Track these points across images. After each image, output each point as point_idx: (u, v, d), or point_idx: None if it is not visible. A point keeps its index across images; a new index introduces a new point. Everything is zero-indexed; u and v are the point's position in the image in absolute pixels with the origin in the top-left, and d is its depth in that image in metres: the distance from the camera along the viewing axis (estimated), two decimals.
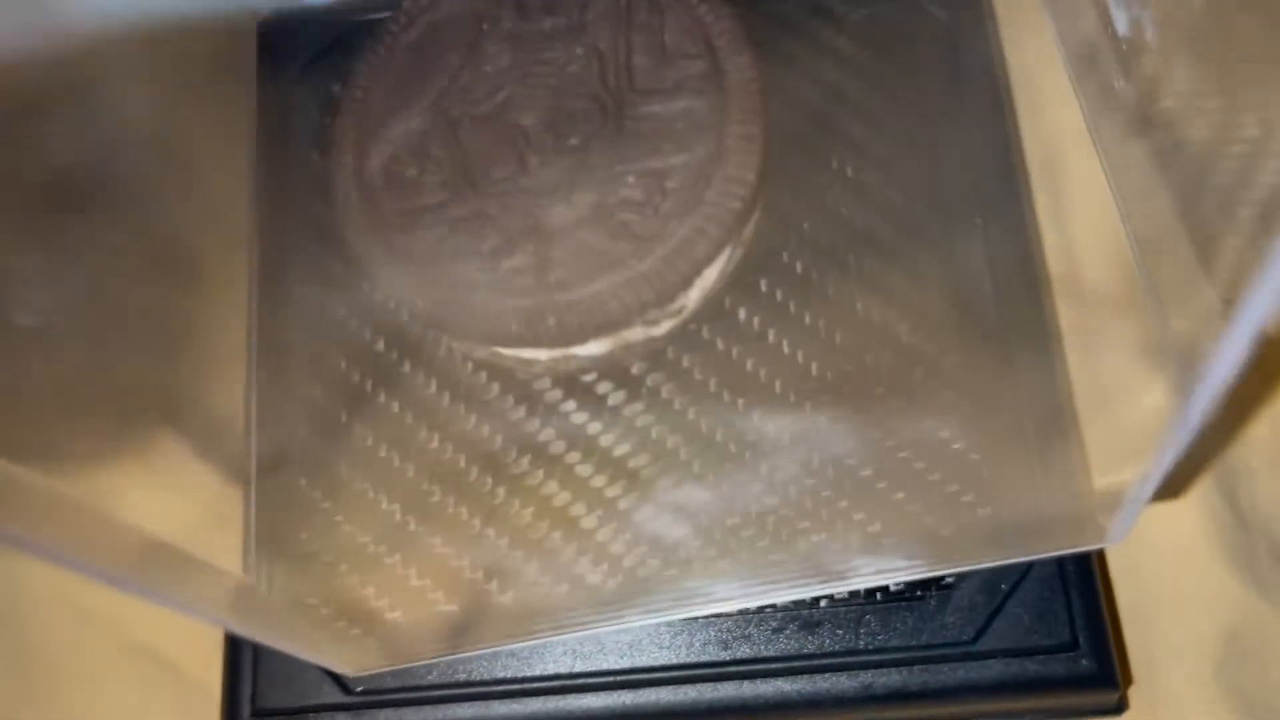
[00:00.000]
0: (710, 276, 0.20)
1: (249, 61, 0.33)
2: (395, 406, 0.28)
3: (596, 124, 0.20)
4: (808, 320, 0.29)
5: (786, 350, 0.28)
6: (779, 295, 0.29)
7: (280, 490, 0.28)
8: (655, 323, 0.21)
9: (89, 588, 0.29)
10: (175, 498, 0.29)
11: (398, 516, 0.27)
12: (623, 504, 0.27)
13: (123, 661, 0.28)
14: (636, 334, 0.21)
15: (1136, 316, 0.29)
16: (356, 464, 0.28)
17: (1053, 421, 0.28)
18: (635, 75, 0.20)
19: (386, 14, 0.32)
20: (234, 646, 0.27)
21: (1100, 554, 0.28)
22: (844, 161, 0.30)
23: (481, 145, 0.20)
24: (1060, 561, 0.27)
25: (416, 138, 0.21)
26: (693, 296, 0.21)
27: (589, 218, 0.20)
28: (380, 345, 0.29)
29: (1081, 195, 0.31)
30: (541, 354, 0.21)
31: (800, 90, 0.31)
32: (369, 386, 0.28)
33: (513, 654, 0.27)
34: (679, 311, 0.21)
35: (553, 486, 0.27)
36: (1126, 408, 0.28)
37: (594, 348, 0.21)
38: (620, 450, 0.26)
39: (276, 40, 0.33)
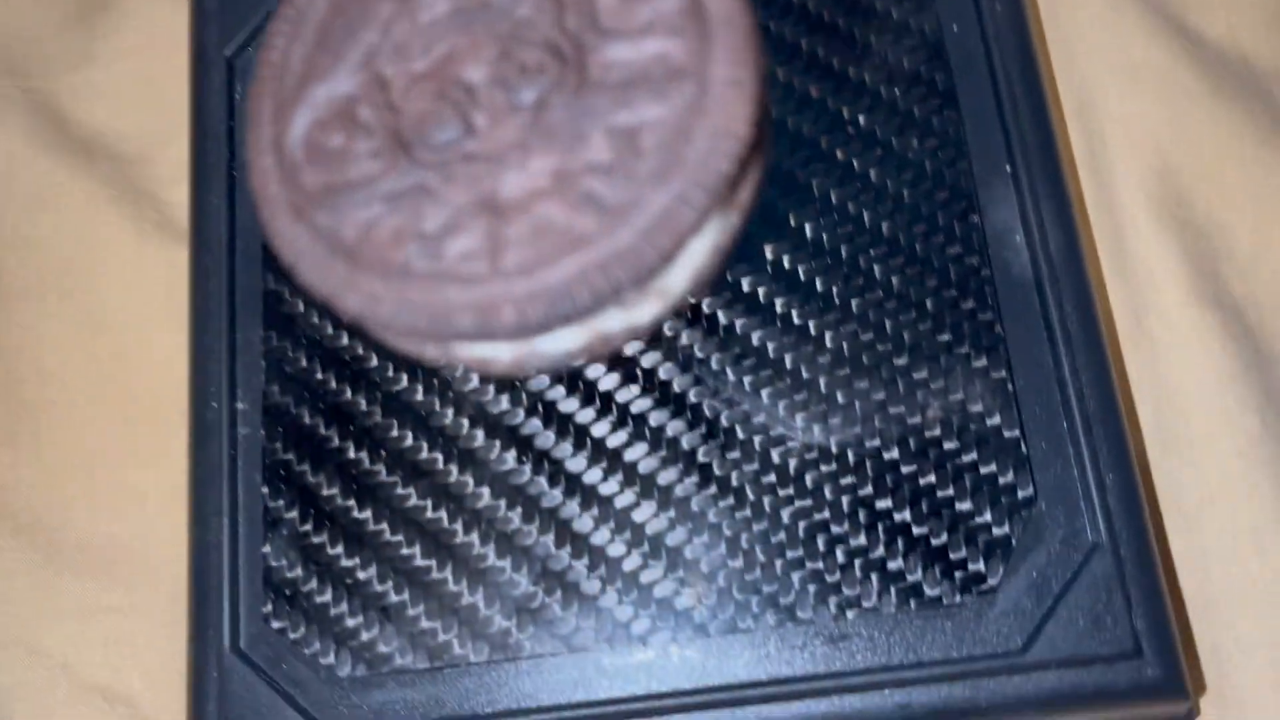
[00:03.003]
0: (699, 251, 0.17)
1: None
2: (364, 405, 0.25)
3: (554, 75, 0.17)
4: (820, 288, 0.25)
5: (797, 322, 0.25)
6: (787, 263, 0.26)
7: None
8: (635, 307, 0.17)
9: (41, 629, 0.26)
10: None
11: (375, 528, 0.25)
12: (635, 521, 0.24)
13: (78, 704, 0.26)
14: (614, 322, 0.17)
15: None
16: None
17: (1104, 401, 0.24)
18: (599, 14, 0.17)
19: None
20: (199, 687, 0.24)
21: (1164, 544, 0.24)
22: (854, 110, 0.27)
23: (419, 107, 0.17)
24: (1118, 555, 0.23)
25: (343, 102, 0.18)
26: (679, 276, 0.17)
27: (549, 187, 0.16)
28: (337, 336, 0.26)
29: (1118, 125, 0.28)
30: (502, 351, 0.18)
31: (801, 35, 0.27)
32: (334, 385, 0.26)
33: (515, 681, 0.24)
34: (663, 293, 0.18)
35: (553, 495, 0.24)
36: None
37: (564, 341, 0.17)
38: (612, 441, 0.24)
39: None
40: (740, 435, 0.25)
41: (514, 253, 0.16)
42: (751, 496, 0.24)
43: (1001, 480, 0.24)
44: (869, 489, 0.24)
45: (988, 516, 0.24)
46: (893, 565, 0.24)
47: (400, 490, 0.25)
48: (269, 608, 0.25)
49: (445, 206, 0.17)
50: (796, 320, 0.25)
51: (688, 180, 0.16)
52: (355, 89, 0.18)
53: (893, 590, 0.24)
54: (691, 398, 0.25)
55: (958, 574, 0.24)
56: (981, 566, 0.24)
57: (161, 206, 0.30)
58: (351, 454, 0.26)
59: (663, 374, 0.25)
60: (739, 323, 0.25)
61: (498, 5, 0.18)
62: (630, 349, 0.23)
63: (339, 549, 0.25)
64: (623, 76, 0.17)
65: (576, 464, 0.25)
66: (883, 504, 0.24)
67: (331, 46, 0.18)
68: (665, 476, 0.25)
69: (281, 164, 0.18)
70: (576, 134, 0.16)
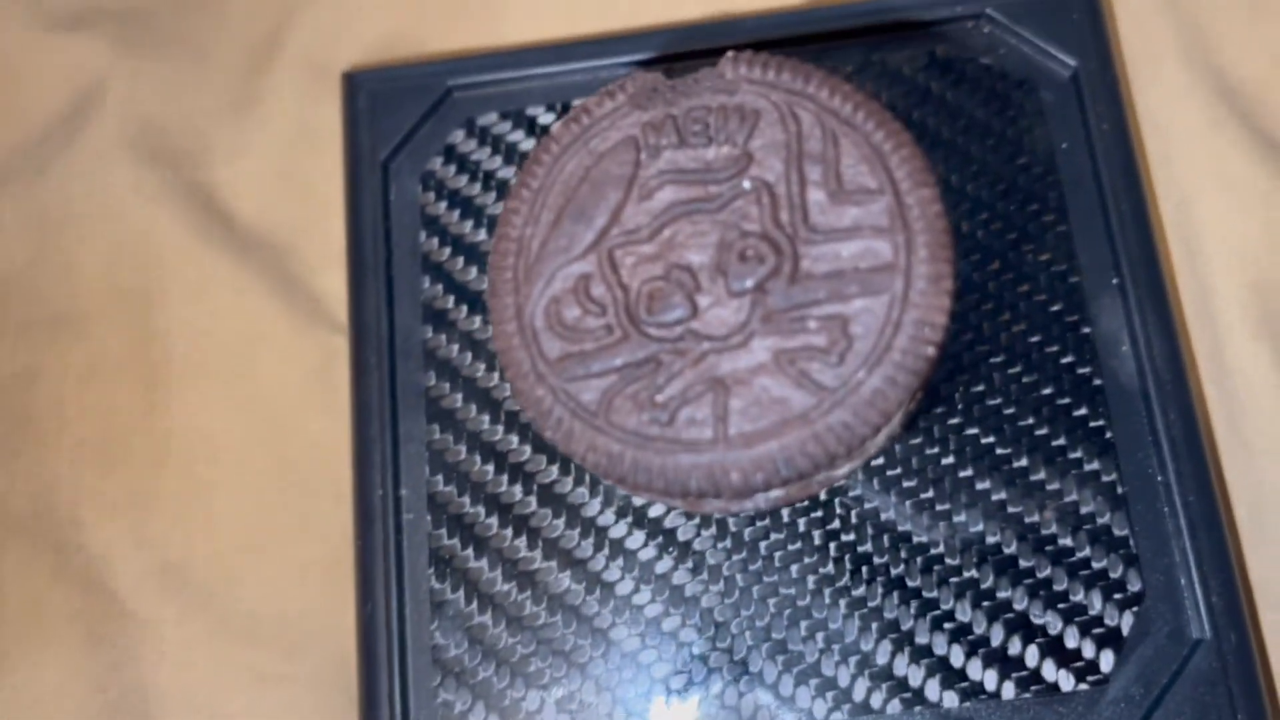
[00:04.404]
0: (896, 420, 0.19)
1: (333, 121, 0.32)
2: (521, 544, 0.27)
3: (771, 265, 0.19)
4: (943, 393, 0.28)
5: (923, 424, 0.27)
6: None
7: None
8: (838, 467, 0.20)
9: (221, 695, 0.29)
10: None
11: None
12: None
13: None
14: (819, 477, 0.20)
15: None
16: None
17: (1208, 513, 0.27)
18: (810, 212, 0.19)
19: (484, 77, 0.31)
20: None
21: (1261, 641, 0.27)
22: (972, 225, 0.29)
23: (648, 287, 0.19)
24: (1220, 652, 0.26)
25: (578, 279, 0.20)
26: (877, 441, 0.20)
27: (769, 365, 0.19)
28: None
29: (1216, 240, 0.30)
30: (718, 500, 0.20)
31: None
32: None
33: None
34: (862, 454, 0.20)
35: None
36: None
37: (775, 492, 0.20)
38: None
39: (364, 99, 0.32)
40: (870, 532, 0.27)
41: (738, 423, 0.19)
42: (881, 590, 0.27)
43: (1112, 575, 0.27)
44: (990, 582, 0.27)
45: (1100, 609, 0.26)
46: (1013, 653, 0.26)
47: (556, 577, 0.28)
48: (437, 682, 0.27)
49: (676, 379, 0.19)
50: (922, 424, 0.28)
51: (896, 365, 0.18)
52: (589, 268, 0.20)
53: (1012, 677, 0.26)
54: (822, 496, 0.27)
55: (1074, 663, 0.26)
56: (1095, 656, 0.26)
57: (313, 294, 0.32)
58: (509, 542, 0.28)
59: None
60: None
61: (717, 196, 0.20)
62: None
63: (501, 630, 0.27)
64: (833, 268, 0.19)
65: (716, 556, 0.27)
66: (1003, 595, 0.27)
67: (565, 227, 0.20)
68: (798, 569, 0.27)
69: (523, 331, 0.20)
70: (794, 319, 0.19)
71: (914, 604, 0.27)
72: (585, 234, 0.20)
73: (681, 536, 0.27)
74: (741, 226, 0.19)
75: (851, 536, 0.27)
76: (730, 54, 0.21)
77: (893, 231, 0.19)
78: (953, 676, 0.26)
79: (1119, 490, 0.27)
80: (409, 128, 0.31)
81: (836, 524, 0.27)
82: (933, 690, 0.26)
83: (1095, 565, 0.27)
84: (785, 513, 0.27)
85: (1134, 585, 0.26)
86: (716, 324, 0.19)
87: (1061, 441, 0.27)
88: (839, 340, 0.18)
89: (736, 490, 0.19)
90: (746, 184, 0.20)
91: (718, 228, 0.19)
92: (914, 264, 0.19)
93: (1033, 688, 0.26)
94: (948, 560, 0.27)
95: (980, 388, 0.28)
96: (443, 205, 0.31)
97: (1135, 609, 0.26)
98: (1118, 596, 0.26)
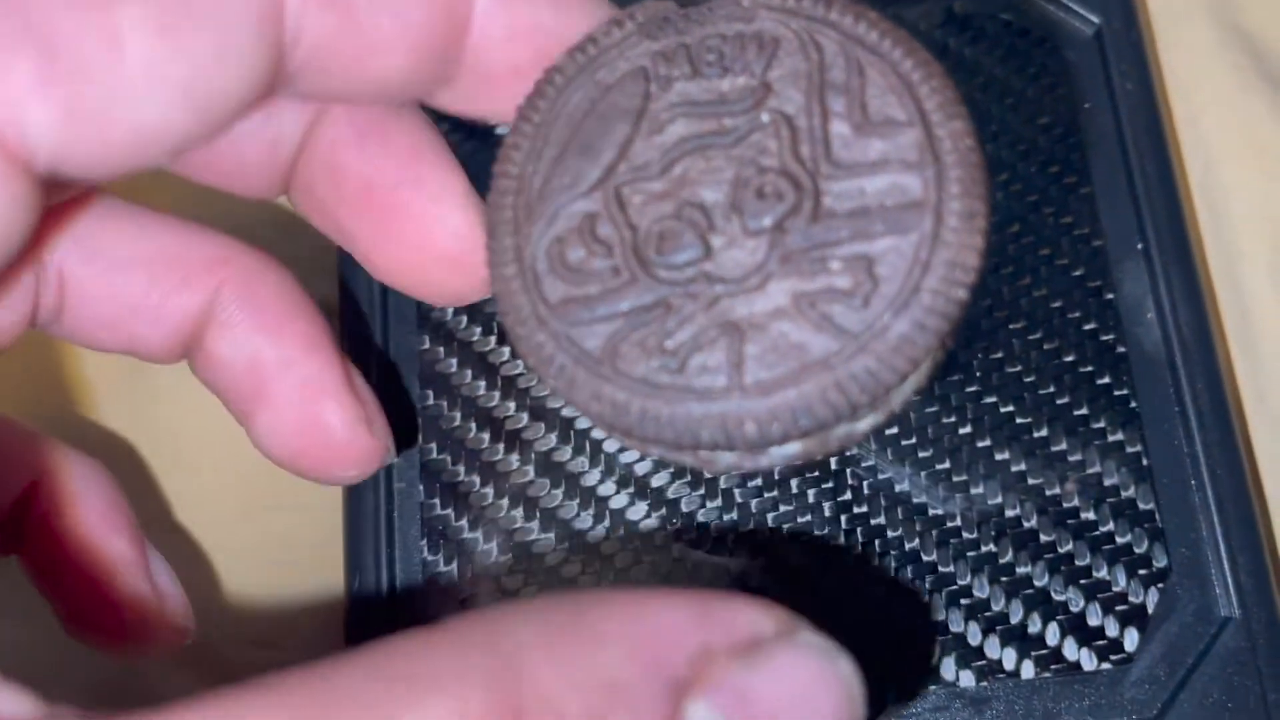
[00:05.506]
0: (923, 370, 0.18)
1: None
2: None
3: (791, 202, 0.18)
4: (960, 360, 0.26)
5: (938, 393, 0.26)
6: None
7: None
8: (860, 420, 0.18)
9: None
10: None
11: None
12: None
13: None
14: (839, 431, 0.18)
15: None
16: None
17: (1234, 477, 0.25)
18: (833, 145, 0.18)
19: None
20: None
21: None
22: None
23: (658, 226, 0.18)
24: (1249, 630, 0.25)
25: (583, 218, 0.18)
26: (902, 392, 0.18)
27: (788, 308, 0.17)
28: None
29: (1243, 203, 0.29)
30: (730, 456, 0.19)
31: None
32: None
33: None
34: (886, 406, 0.19)
35: None
36: None
37: (789, 448, 0.18)
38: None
39: None
40: (883, 504, 0.26)
41: (754, 370, 0.17)
42: (895, 564, 0.25)
43: (1136, 551, 0.25)
44: (1009, 557, 0.25)
45: (1124, 585, 0.25)
46: (1033, 631, 0.25)
47: (554, 550, 0.26)
48: None
49: (687, 324, 0.17)
50: (938, 391, 0.26)
51: (925, 309, 0.17)
52: (595, 206, 0.18)
53: (1032, 656, 0.25)
54: (833, 465, 0.26)
55: (1096, 641, 0.25)
56: (1118, 634, 0.25)
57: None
58: (506, 512, 0.27)
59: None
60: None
61: (733, 130, 0.18)
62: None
63: (496, 603, 0.26)
64: (857, 205, 0.18)
65: (721, 529, 0.26)
66: (1022, 571, 0.25)
67: (570, 164, 0.19)
68: (807, 541, 0.26)
69: (523, 274, 0.18)
70: (814, 259, 0.17)
71: (929, 579, 0.25)
72: (591, 170, 0.19)
73: (685, 508, 0.26)
74: (759, 162, 0.18)
75: (864, 508, 0.26)
76: None
77: (922, 166, 0.18)
78: (970, 654, 0.25)
79: (1144, 462, 0.26)
80: None
81: (848, 495, 0.26)
82: (949, 669, 0.25)
83: (1119, 540, 0.25)
84: (794, 483, 0.26)
85: (1159, 561, 0.25)
86: (731, 265, 0.18)
87: (1084, 411, 0.26)
88: (863, 282, 0.17)
89: (751, 442, 0.17)
90: (764, 116, 0.18)
91: (733, 163, 0.18)
92: (945, 200, 0.17)
93: (1053, 666, 0.25)
94: (964, 534, 0.26)
95: (999, 355, 0.27)
96: None
97: (1160, 585, 0.25)
98: (1142, 572, 0.25)
